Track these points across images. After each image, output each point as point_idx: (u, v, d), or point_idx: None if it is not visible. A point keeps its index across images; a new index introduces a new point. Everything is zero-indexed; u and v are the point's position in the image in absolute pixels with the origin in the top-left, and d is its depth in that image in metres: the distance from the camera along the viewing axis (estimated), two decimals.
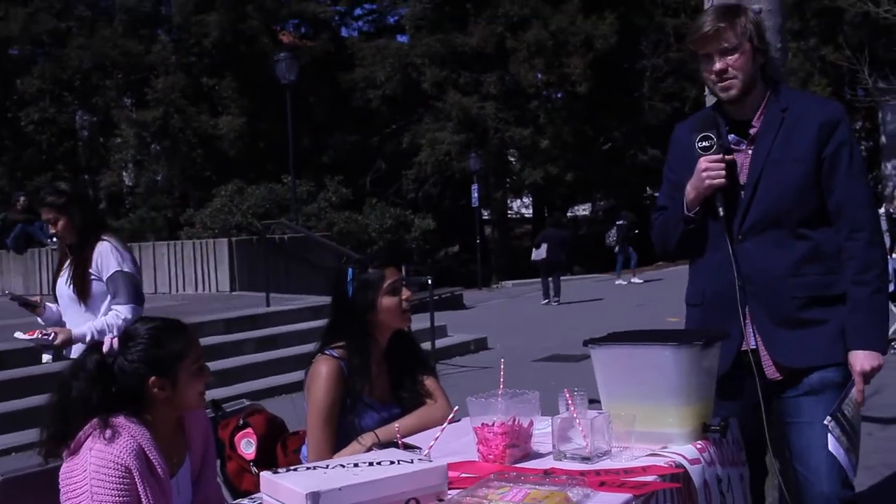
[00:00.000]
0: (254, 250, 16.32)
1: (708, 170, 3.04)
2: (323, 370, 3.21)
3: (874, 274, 3.00)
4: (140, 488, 2.51)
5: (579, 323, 14.58)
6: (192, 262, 16.35)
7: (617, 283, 22.38)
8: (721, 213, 3.06)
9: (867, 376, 2.98)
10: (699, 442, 2.71)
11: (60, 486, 2.54)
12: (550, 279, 19.61)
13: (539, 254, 19.67)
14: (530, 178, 33.27)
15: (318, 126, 33.64)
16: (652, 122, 33.00)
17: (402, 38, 37.53)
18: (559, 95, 34.49)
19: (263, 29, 33.70)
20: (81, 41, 32.14)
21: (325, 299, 12.72)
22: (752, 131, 3.09)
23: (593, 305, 18.48)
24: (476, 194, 29.44)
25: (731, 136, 3.12)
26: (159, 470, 2.58)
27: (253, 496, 2.54)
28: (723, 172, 3.03)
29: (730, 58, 3.01)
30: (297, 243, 17.47)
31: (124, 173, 34.35)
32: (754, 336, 3.07)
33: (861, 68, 20.18)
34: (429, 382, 3.37)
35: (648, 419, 2.68)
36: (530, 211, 43.64)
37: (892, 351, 10.00)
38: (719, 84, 3.06)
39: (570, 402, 2.68)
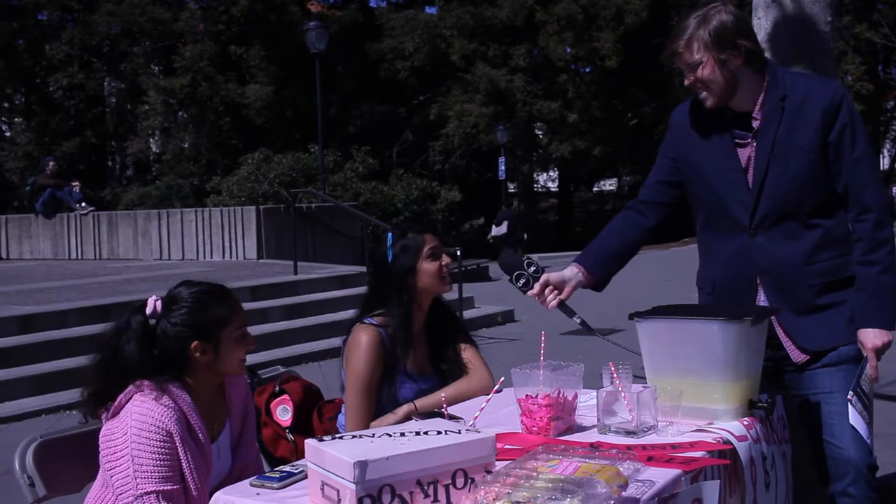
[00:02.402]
0: (281, 218, 16.30)
1: (539, 301, 3.14)
2: (363, 339, 3.18)
3: (882, 253, 3.00)
4: (181, 452, 2.50)
5: (605, 297, 14.48)
6: (220, 230, 16.35)
7: None
8: (577, 320, 3.17)
9: (879, 352, 3.00)
10: (745, 419, 2.67)
11: (101, 448, 2.53)
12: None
13: (500, 230, 22.33)
14: (557, 151, 33.14)
15: (345, 96, 33.57)
16: (681, 97, 32.48)
17: (430, 10, 37.35)
18: (588, 69, 34.28)
19: None
20: (110, 7, 32.13)
21: (353, 268, 12.75)
22: (754, 124, 3.06)
23: (619, 280, 18.37)
24: (503, 167, 29.37)
25: (735, 131, 3.09)
26: (200, 435, 2.56)
27: (294, 463, 2.52)
28: (552, 297, 3.12)
29: (697, 72, 3.02)
30: (325, 212, 17.45)
31: (151, 140, 34.41)
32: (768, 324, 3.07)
33: None
34: (468, 352, 3.35)
35: (694, 394, 2.64)
36: (556, 185, 43.49)
37: None
38: (699, 94, 3.09)
39: (615, 375, 2.64)
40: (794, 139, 3.00)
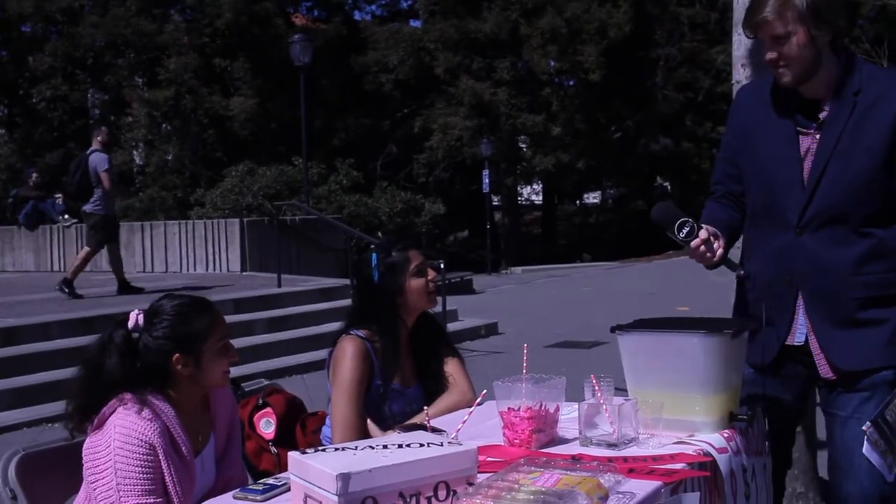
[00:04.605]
0: (265, 231, 16.29)
1: (696, 255, 2.86)
2: (349, 348, 3.19)
3: None
4: (164, 465, 2.50)
5: (588, 309, 14.56)
6: (204, 242, 16.33)
7: None
8: (741, 273, 2.96)
9: None
10: (726, 431, 2.69)
11: (84, 461, 2.54)
12: None
13: None
14: (541, 164, 33.18)
15: (329, 109, 33.52)
16: (664, 111, 32.96)
17: (415, 23, 37.45)
18: (572, 83, 34.37)
19: (277, 11, 33.60)
20: (94, 19, 32.03)
21: (336, 281, 12.70)
22: (821, 115, 2.85)
23: (602, 292, 18.44)
24: (487, 180, 29.41)
25: (799, 118, 2.89)
26: (183, 448, 2.57)
27: (277, 475, 2.53)
28: (711, 253, 2.85)
29: (781, 47, 2.76)
30: (309, 225, 17.44)
31: (135, 152, 34.27)
32: (805, 332, 2.93)
33: (880, 62, 20.07)
34: (452, 366, 3.36)
35: (675, 407, 2.66)
36: (540, 198, 43.57)
37: None
38: (775, 71, 2.85)
39: (596, 388, 2.66)
40: (861, 138, 2.79)
